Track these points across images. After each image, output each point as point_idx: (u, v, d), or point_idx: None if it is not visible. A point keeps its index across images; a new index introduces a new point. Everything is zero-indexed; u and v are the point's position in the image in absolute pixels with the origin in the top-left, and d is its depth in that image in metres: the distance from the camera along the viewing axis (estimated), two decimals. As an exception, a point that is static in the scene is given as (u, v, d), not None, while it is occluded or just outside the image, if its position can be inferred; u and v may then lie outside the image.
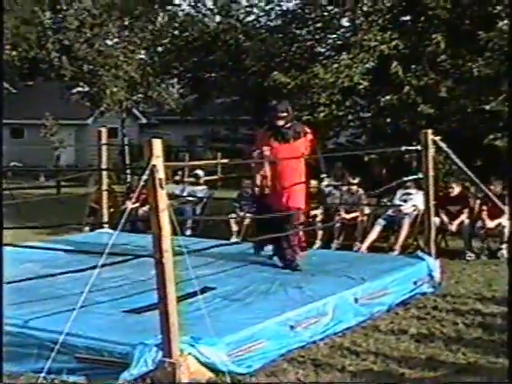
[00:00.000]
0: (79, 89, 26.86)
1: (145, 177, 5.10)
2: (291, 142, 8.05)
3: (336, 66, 12.54)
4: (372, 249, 10.21)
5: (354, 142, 15.26)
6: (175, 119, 29.84)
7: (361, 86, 12.67)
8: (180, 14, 19.04)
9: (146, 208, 12.04)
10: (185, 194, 13.52)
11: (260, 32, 15.20)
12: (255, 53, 14.08)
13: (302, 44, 14.51)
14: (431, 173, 8.48)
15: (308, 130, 8.28)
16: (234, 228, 11.92)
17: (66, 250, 7.58)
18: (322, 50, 15.02)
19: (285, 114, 7.98)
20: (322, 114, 12.69)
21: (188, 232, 12.17)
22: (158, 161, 5.10)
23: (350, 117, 13.94)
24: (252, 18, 16.52)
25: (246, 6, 16.98)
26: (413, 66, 12.47)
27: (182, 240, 5.70)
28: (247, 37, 15.36)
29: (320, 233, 11.13)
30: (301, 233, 8.49)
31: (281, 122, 7.98)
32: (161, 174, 5.09)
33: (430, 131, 8.57)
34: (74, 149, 32.02)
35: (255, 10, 16.51)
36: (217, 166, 21.85)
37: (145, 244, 8.23)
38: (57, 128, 24.85)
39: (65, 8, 25.66)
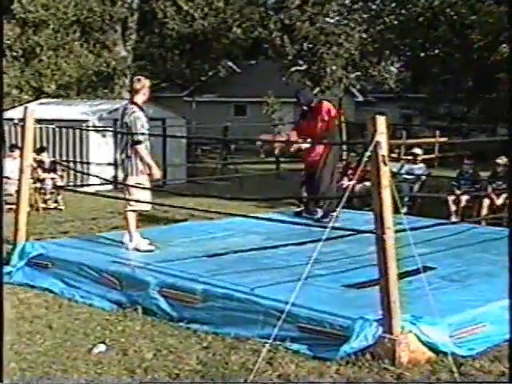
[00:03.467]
0: (298, 67, 27.38)
1: (368, 153, 5.11)
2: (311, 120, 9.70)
3: None
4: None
5: None
6: (392, 97, 29.50)
7: None
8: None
9: (361, 185, 12.12)
10: (403, 171, 13.39)
11: (487, 4, 14.50)
12: (482, 27, 13.47)
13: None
14: None
15: (323, 106, 9.65)
16: (452, 208, 11.63)
17: (287, 222, 7.85)
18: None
19: (303, 102, 9.82)
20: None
21: (404, 210, 12.02)
22: (381, 137, 5.09)
23: None
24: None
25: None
26: None
27: (401, 218, 5.67)
28: (472, 11, 14.73)
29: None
30: None
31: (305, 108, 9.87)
32: (384, 150, 5.08)
33: None
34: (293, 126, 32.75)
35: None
36: (434, 145, 21.37)
37: (363, 220, 8.33)
38: (278, 105, 25.61)
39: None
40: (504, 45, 12.22)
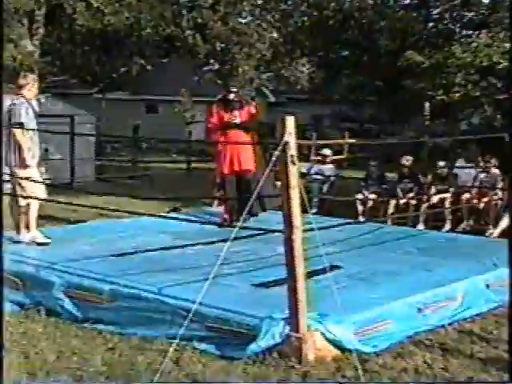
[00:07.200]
0: (210, 67, 27.32)
1: (277, 153, 5.13)
2: (234, 112, 9.51)
3: (475, 44, 12.11)
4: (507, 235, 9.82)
5: (488, 123, 14.74)
6: (303, 98, 29.84)
7: (500, 66, 12.17)
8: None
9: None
10: (312, 172, 13.54)
11: (394, 10, 14.88)
12: (389, 32, 13.82)
13: (437, 22, 14.12)
14: None
15: (252, 104, 9.94)
16: (360, 208, 11.86)
17: (197, 222, 7.81)
18: (458, 30, 14.55)
19: (235, 90, 9.77)
20: (457, 95, 12.33)
21: (314, 210, 12.17)
22: (290, 137, 5.11)
23: (483, 99, 13.44)
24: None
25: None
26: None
27: (309, 218, 5.71)
28: (381, 16, 15.08)
29: (449, 216, 10.90)
30: None
31: (231, 96, 9.59)
32: (293, 150, 5.11)
33: None
34: (204, 125, 32.67)
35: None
36: (343, 146, 21.74)
37: (271, 220, 8.37)
38: (191, 104, 25.48)
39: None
40: (410, 51, 12.58)
